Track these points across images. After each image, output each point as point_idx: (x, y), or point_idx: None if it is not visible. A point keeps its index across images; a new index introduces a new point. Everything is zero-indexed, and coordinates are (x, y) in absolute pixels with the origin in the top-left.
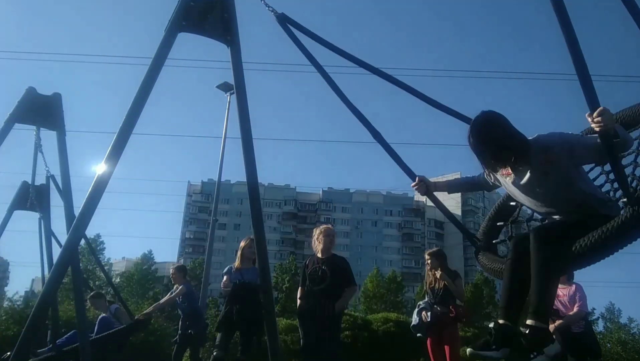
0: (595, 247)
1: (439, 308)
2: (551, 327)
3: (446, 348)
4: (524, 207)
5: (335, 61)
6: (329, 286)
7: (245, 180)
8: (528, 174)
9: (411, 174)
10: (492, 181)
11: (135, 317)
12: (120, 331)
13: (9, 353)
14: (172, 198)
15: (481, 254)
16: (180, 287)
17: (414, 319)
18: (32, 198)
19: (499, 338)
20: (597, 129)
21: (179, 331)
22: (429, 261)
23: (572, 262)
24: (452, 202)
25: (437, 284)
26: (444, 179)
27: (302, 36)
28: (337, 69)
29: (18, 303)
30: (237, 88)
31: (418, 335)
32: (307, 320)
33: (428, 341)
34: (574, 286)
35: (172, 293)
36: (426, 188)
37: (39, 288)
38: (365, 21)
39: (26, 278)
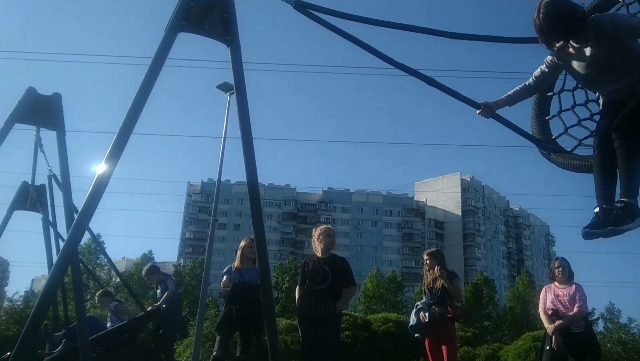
0: None
1: (436, 309)
2: (551, 327)
3: (443, 348)
4: (562, 94)
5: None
6: (331, 286)
7: (245, 180)
8: (588, 49)
9: (474, 104)
10: (553, 66)
11: (148, 308)
12: (132, 321)
13: (9, 353)
14: (172, 198)
15: (554, 155)
16: (169, 281)
17: (412, 319)
18: (32, 197)
19: (605, 217)
20: None
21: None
22: (427, 262)
23: None
24: (452, 202)
25: (435, 285)
26: (504, 97)
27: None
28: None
29: (18, 303)
30: (237, 88)
31: (415, 335)
32: (307, 319)
33: (426, 342)
34: (574, 286)
35: (164, 291)
36: (491, 111)
37: (39, 288)
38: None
39: (26, 278)
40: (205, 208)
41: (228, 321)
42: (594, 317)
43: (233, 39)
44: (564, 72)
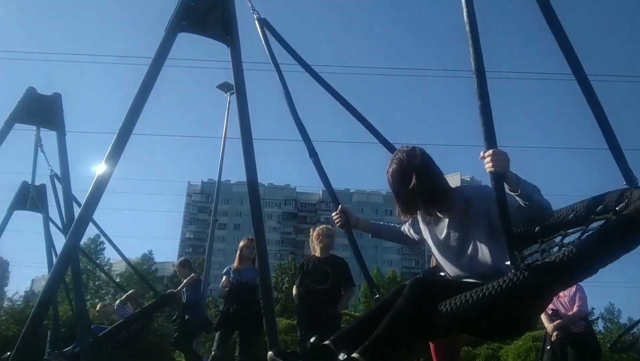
0: (459, 311)
1: None
2: (551, 327)
3: (451, 349)
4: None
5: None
6: (332, 286)
7: (245, 180)
8: (446, 225)
9: (336, 201)
10: (412, 233)
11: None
12: (145, 309)
13: (9, 353)
14: (172, 198)
15: None
16: (192, 275)
17: None
18: (32, 197)
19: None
20: (487, 170)
21: (178, 320)
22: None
23: (434, 324)
24: None
25: None
26: (371, 222)
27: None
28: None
29: (18, 303)
30: (237, 88)
31: None
32: (307, 321)
33: (431, 344)
34: (574, 287)
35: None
36: (346, 221)
37: (39, 288)
38: (366, 21)
39: (26, 278)
40: (205, 208)
41: (227, 320)
42: (593, 317)
43: (233, 40)
44: None
